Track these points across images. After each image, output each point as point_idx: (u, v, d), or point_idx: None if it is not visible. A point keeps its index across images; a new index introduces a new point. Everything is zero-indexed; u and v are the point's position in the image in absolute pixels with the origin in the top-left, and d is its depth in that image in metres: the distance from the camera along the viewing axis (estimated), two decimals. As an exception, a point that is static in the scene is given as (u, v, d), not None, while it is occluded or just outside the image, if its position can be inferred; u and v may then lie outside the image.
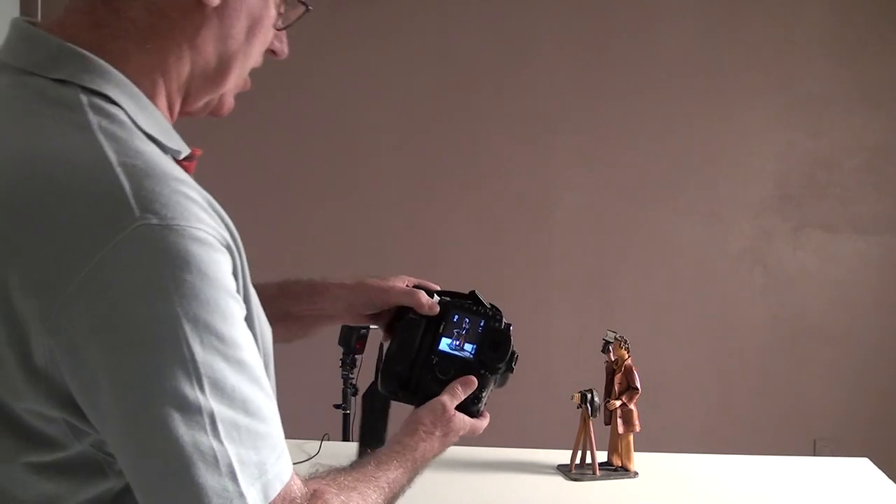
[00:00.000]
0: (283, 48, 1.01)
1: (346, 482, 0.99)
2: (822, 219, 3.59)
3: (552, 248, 3.63)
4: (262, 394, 0.85)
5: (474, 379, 1.19)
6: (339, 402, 2.37)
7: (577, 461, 1.91)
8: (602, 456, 1.93)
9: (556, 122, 3.60)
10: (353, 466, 1.05)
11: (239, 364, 0.83)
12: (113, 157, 0.80)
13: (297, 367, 1.37)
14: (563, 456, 1.95)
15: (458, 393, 1.19)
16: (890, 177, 3.57)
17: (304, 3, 0.98)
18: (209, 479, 0.79)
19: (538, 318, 3.59)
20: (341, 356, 2.34)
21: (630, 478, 1.90)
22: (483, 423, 1.22)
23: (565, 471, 1.90)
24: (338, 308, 1.30)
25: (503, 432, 3.49)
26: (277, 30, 0.98)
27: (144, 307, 0.77)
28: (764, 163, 3.60)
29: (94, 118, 0.83)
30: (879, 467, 1.97)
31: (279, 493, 0.85)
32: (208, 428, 0.79)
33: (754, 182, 3.60)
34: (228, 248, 0.84)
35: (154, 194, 0.79)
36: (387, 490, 1.04)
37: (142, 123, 0.87)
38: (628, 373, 1.92)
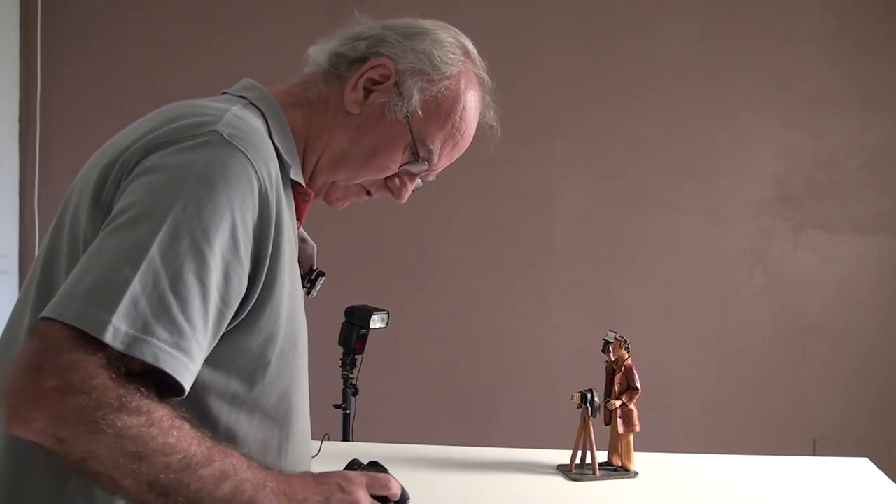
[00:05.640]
0: (402, 193, 1.27)
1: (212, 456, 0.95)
2: (822, 219, 3.59)
3: (552, 249, 3.63)
4: (199, 297, 0.94)
5: (397, 486, 1.15)
6: (339, 402, 2.38)
7: (577, 461, 1.91)
8: (602, 456, 1.93)
9: (557, 123, 3.60)
10: (253, 464, 1.01)
11: (200, 257, 0.95)
12: (231, 110, 1.09)
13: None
14: (563, 456, 1.95)
15: (376, 485, 1.13)
16: (890, 177, 3.57)
17: (426, 161, 1.23)
18: (101, 293, 0.90)
19: (538, 319, 3.59)
20: (341, 356, 2.35)
21: (630, 478, 1.90)
22: None
23: (565, 471, 1.91)
24: None
25: (503, 432, 3.52)
26: (398, 169, 1.23)
27: (173, 174, 1.00)
28: (764, 163, 3.60)
29: (241, 103, 1.15)
30: (879, 467, 1.97)
31: (141, 361, 0.90)
32: (135, 264, 0.92)
33: (754, 182, 3.60)
34: (265, 196, 1.03)
35: (237, 127, 1.06)
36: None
37: (274, 132, 1.14)
38: (628, 373, 1.92)
